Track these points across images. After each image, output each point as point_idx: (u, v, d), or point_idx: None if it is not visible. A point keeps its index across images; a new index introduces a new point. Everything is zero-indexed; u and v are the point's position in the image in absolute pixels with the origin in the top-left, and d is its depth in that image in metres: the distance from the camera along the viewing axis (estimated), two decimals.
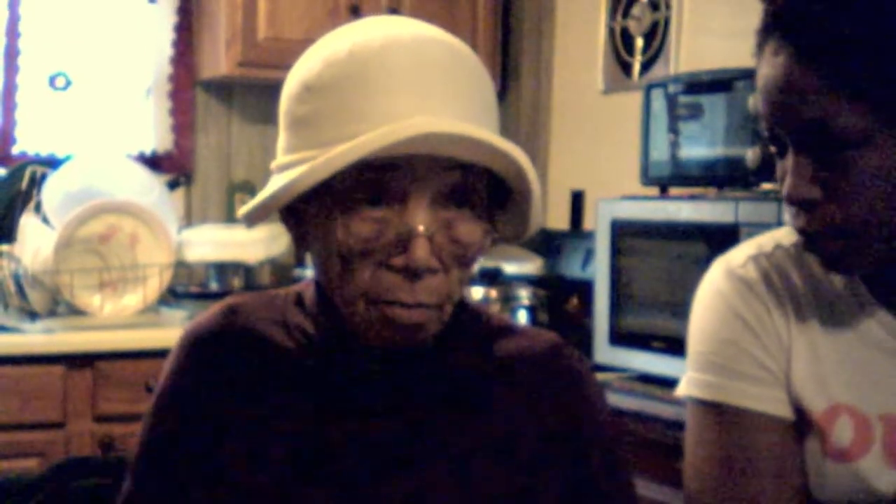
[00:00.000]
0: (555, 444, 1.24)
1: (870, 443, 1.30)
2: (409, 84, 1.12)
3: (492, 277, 3.57)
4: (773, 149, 1.27)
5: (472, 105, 1.15)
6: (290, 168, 1.14)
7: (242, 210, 1.19)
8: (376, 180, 1.12)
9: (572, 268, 3.76)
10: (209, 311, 1.31)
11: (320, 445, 1.21)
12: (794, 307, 1.34)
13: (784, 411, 1.33)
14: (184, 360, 1.28)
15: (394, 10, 3.80)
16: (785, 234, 1.39)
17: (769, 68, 1.23)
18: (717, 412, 1.34)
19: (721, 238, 2.62)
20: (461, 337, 1.26)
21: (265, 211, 1.16)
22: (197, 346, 1.28)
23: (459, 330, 1.26)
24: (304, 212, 1.18)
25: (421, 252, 1.11)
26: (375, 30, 1.16)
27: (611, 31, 3.86)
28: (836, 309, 1.33)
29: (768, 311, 1.34)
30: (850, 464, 1.30)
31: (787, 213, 1.27)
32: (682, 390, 1.39)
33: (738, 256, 1.39)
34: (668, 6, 3.63)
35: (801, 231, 1.26)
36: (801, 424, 1.33)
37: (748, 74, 2.86)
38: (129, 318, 3.38)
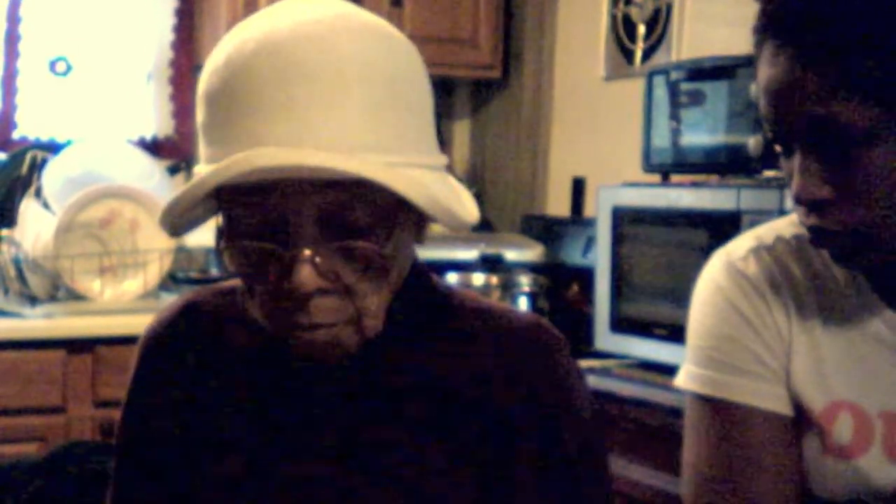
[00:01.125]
0: (526, 427, 1.22)
1: (870, 440, 1.29)
2: (273, 99, 1.06)
3: (492, 264, 3.56)
4: (777, 148, 1.25)
5: (350, 110, 1.08)
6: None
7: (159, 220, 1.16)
8: (259, 205, 1.08)
9: (573, 255, 3.76)
10: (167, 310, 1.31)
11: (278, 437, 1.21)
12: (795, 302, 1.33)
13: (784, 408, 1.32)
14: (143, 360, 1.29)
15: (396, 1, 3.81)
16: (786, 226, 1.37)
17: (770, 69, 1.21)
18: (716, 408, 1.34)
19: (723, 225, 2.62)
20: (427, 321, 1.25)
21: (169, 229, 1.16)
22: (156, 345, 1.28)
23: (426, 314, 1.25)
24: None
25: (303, 276, 1.08)
26: (260, 25, 1.10)
27: (613, 18, 3.85)
28: (838, 305, 1.32)
29: (768, 306, 1.33)
30: (851, 461, 1.30)
31: (797, 213, 1.25)
32: (680, 382, 1.38)
33: (738, 249, 1.37)
34: None
35: (812, 229, 1.24)
36: (801, 421, 1.32)
37: (750, 61, 2.83)
38: (130, 304, 3.38)
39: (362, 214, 1.10)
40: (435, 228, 1.21)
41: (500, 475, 1.21)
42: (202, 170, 1.11)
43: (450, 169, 1.22)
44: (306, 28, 1.08)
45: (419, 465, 1.20)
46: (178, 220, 1.14)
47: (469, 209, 1.18)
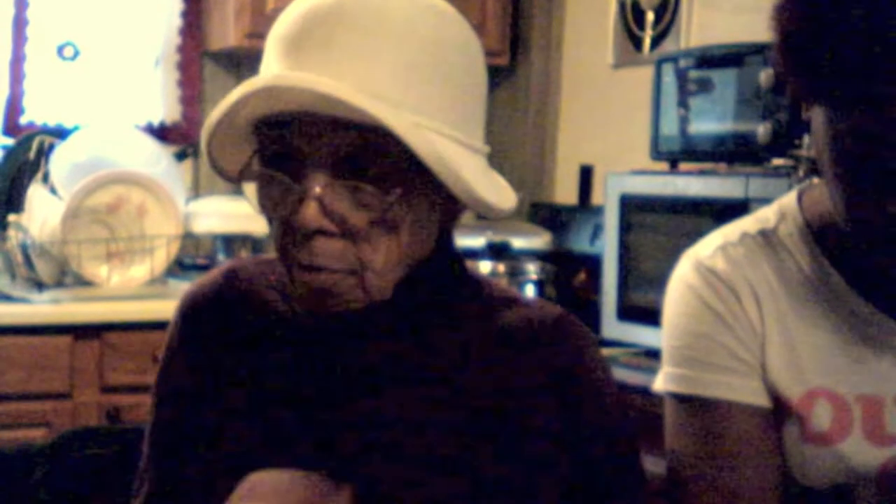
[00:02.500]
0: (555, 417, 1.23)
1: (849, 425, 1.31)
2: (313, 36, 1.12)
3: (499, 252, 3.56)
4: None
5: (386, 63, 1.12)
6: None
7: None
8: (279, 141, 1.13)
9: (580, 243, 3.75)
10: (209, 274, 1.33)
11: (314, 408, 1.22)
12: (766, 295, 1.34)
13: (761, 400, 1.33)
14: (184, 322, 1.31)
15: None
16: (751, 223, 1.39)
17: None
18: (694, 405, 1.35)
19: (731, 214, 2.59)
20: (459, 306, 1.26)
21: (218, 169, 1.20)
22: (196, 307, 1.30)
23: (458, 299, 1.26)
24: None
25: (308, 212, 1.11)
26: None
27: (621, 5, 3.84)
28: (808, 295, 1.33)
29: (739, 300, 1.34)
30: (831, 447, 1.31)
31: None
32: (658, 386, 1.39)
33: (705, 248, 1.38)
34: None
35: None
36: (779, 411, 1.33)
37: (759, 49, 2.85)
38: (137, 290, 3.39)
39: (375, 164, 1.12)
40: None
41: (525, 470, 1.21)
42: None
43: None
44: None
45: (442, 447, 1.21)
46: (219, 154, 1.17)
47: (504, 195, 1.21)
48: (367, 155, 1.12)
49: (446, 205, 1.20)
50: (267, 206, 1.15)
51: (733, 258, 1.36)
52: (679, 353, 1.37)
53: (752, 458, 1.32)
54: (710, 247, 1.38)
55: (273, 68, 1.15)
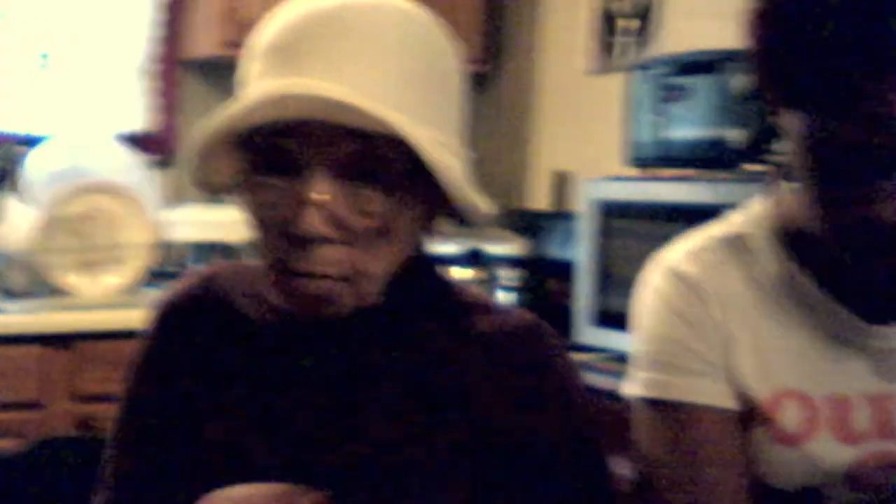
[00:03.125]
0: (524, 422, 1.23)
1: (817, 425, 1.32)
2: (315, 50, 1.11)
3: (473, 258, 3.56)
4: None
5: (384, 72, 1.12)
6: None
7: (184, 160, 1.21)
8: (278, 147, 1.12)
9: (555, 249, 3.75)
10: (186, 279, 1.32)
11: (283, 420, 1.21)
12: (734, 299, 1.34)
13: (729, 403, 1.33)
14: (159, 326, 1.30)
15: None
16: (720, 228, 1.40)
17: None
18: (662, 408, 1.35)
19: (705, 219, 2.59)
20: (428, 310, 1.25)
21: (197, 180, 1.19)
22: (173, 312, 1.29)
23: (427, 303, 1.25)
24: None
25: (310, 220, 1.10)
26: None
27: (597, 13, 3.84)
28: (775, 298, 1.34)
29: (705, 304, 1.34)
30: (800, 447, 1.31)
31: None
32: (627, 390, 1.39)
33: (673, 253, 1.39)
34: None
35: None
36: (748, 413, 1.33)
37: (732, 56, 2.86)
38: (110, 299, 3.37)
39: (377, 171, 1.12)
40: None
41: (494, 472, 1.21)
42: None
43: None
44: (353, 4, 1.14)
45: (415, 447, 1.20)
46: (204, 164, 1.17)
47: (485, 201, 1.21)
48: (369, 161, 1.11)
49: (432, 211, 1.20)
50: (261, 213, 1.14)
51: (701, 262, 1.36)
52: (648, 358, 1.37)
53: (721, 461, 1.32)
54: (678, 252, 1.39)
55: (268, 78, 1.13)
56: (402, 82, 1.12)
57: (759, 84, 1.25)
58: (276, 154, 1.12)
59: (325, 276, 1.13)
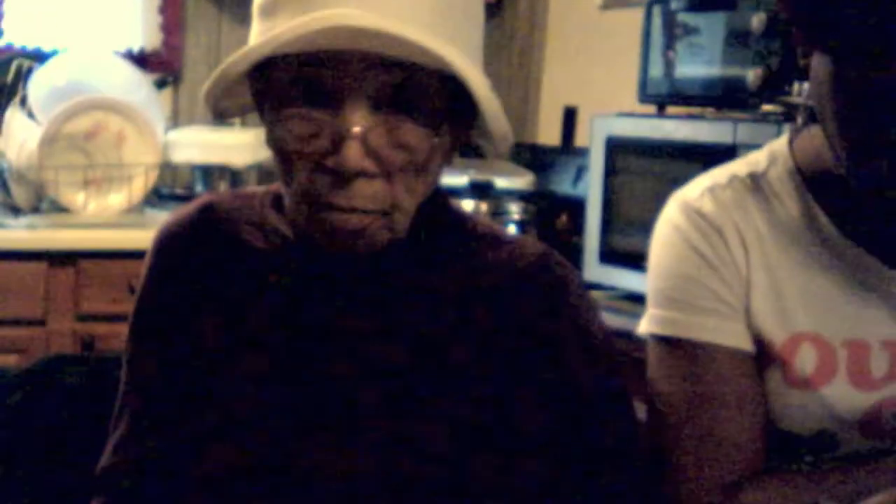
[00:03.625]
0: (536, 351, 1.22)
1: (834, 369, 1.31)
2: None
3: (482, 191, 3.54)
4: None
5: (420, 4, 1.09)
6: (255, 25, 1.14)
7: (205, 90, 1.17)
8: (313, 78, 1.08)
9: (563, 184, 3.73)
10: (185, 207, 1.30)
11: (292, 347, 1.20)
12: (752, 238, 1.33)
13: (744, 343, 1.33)
14: (159, 256, 1.28)
15: None
16: (740, 166, 1.38)
17: None
18: (677, 347, 1.34)
19: (718, 159, 2.57)
20: (443, 241, 1.24)
21: (211, 106, 1.16)
22: (171, 241, 1.28)
23: (441, 234, 1.24)
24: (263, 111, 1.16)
25: (352, 153, 1.08)
26: None
27: None
28: (795, 239, 1.33)
29: (725, 242, 1.33)
30: (815, 391, 1.31)
31: None
32: (643, 328, 1.39)
33: (693, 190, 1.38)
34: None
35: None
36: (763, 356, 1.33)
37: None
38: (114, 218, 3.36)
39: (416, 102, 1.10)
40: None
41: (512, 406, 1.20)
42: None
43: None
44: None
45: (427, 381, 1.19)
46: (223, 92, 1.14)
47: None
48: (408, 93, 1.09)
49: (457, 141, 1.18)
50: (294, 145, 1.11)
51: (721, 200, 1.35)
52: (663, 295, 1.36)
53: (735, 400, 1.32)
54: (698, 189, 1.38)
55: (296, 5, 1.09)
56: (440, 8, 1.10)
57: (787, 24, 1.22)
58: (308, 84, 1.09)
59: (363, 211, 1.11)
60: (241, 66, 1.09)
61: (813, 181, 1.34)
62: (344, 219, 1.11)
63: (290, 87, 1.10)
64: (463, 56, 1.10)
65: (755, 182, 1.36)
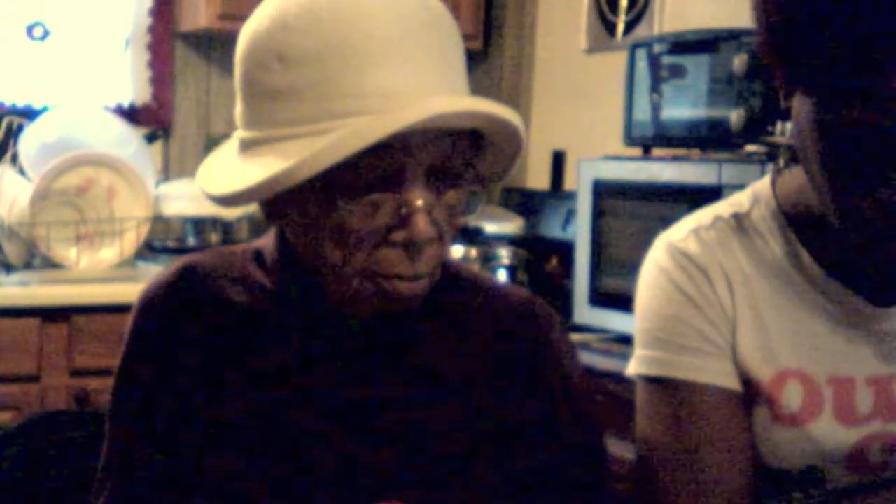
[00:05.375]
0: (521, 399, 1.24)
1: (820, 406, 1.32)
2: (396, 52, 1.08)
3: (472, 236, 3.55)
4: None
5: (452, 60, 1.13)
6: (266, 144, 1.11)
7: (216, 191, 1.15)
8: (375, 158, 1.08)
9: (552, 228, 3.75)
10: (165, 271, 1.30)
11: (281, 401, 1.21)
12: (737, 278, 1.34)
13: (731, 383, 1.33)
14: (140, 321, 1.28)
15: None
16: (724, 207, 1.39)
17: None
18: (665, 387, 1.35)
19: (704, 199, 2.58)
20: (435, 291, 1.25)
21: (262, 194, 1.12)
22: (153, 306, 1.27)
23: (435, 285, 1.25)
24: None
25: (422, 226, 1.10)
26: None
27: None
28: (780, 278, 1.34)
29: (710, 283, 1.34)
30: (802, 427, 1.32)
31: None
32: (631, 369, 1.39)
33: (678, 232, 1.39)
34: None
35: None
36: (750, 393, 1.33)
37: (733, 35, 2.85)
38: (106, 272, 3.36)
39: (459, 163, 1.13)
40: None
41: (495, 447, 1.22)
42: (277, 132, 1.10)
43: None
44: None
45: (416, 428, 1.21)
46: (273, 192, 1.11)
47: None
48: (453, 157, 1.12)
49: None
50: (357, 225, 1.10)
51: (705, 241, 1.36)
52: (650, 336, 1.37)
53: (722, 440, 1.32)
54: (683, 230, 1.39)
55: (360, 85, 1.07)
56: (460, 65, 1.15)
57: (767, 66, 1.24)
58: (369, 167, 1.09)
59: (424, 276, 1.14)
60: (322, 165, 1.06)
61: (796, 220, 1.35)
62: (409, 287, 1.13)
63: (344, 172, 1.09)
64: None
65: (739, 222, 1.37)
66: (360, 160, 1.07)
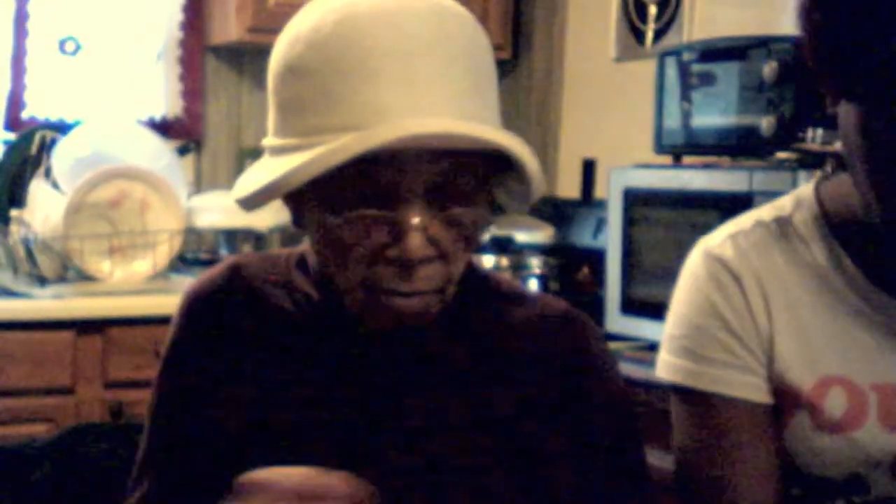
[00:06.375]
0: (561, 413, 1.24)
1: (864, 412, 1.31)
2: (395, 71, 1.08)
3: (503, 246, 3.56)
4: None
5: (460, 83, 1.11)
6: (282, 154, 1.13)
7: (237, 194, 1.17)
8: (366, 174, 1.10)
9: (583, 237, 3.75)
10: (212, 270, 1.31)
11: (320, 408, 1.22)
12: (774, 283, 1.34)
13: (756, 395, 1.33)
14: (187, 318, 1.29)
15: None
16: (766, 211, 1.39)
17: None
18: (689, 396, 1.36)
19: (735, 207, 2.58)
20: (467, 303, 1.25)
21: (262, 201, 1.14)
22: (199, 303, 1.29)
23: (466, 296, 1.25)
24: (301, 194, 1.16)
25: (415, 244, 1.10)
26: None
27: None
28: (821, 283, 1.33)
29: (742, 291, 1.34)
30: (845, 434, 1.31)
31: None
32: (660, 372, 1.40)
33: (716, 237, 1.38)
34: None
35: None
36: (789, 401, 1.33)
37: (762, 42, 2.84)
38: (139, 284, 3.38)
39: (465, 183, 1.12)
40: None
41: (535, 458, 1.22)
42: (289, 141, 1.12)
43: None
44: (411, 4, 1.11)
45: (459, 442, 1.21)
46: (275, 197, 1.14)
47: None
48: (457, 176, 1.12)
49: (491, 203, 1.21)
50: (352, 241, 1.12)
51: (742, 247, 1.35)
52: (677, 343, 1.37)
53: (744, 457, 1.32)
54: (721, 235, 1.38)
55: (354, 102, 1.08)
56: (472, 89, 1.12)
57: (812, 73, 1.23)
58: (364, 183, 1.10)
59: (423, 293, 1.13)
60: (302, 178, 1.09)
61: (839, 227, 1.34)
62: (407, 303, 1.13)
63: (342, 186, 1.11)
64: (493, 124, 1.13)
65: (781, 226, 1.36)
66: (351, 176, 1.09)
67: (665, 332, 1.40)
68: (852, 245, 1.33)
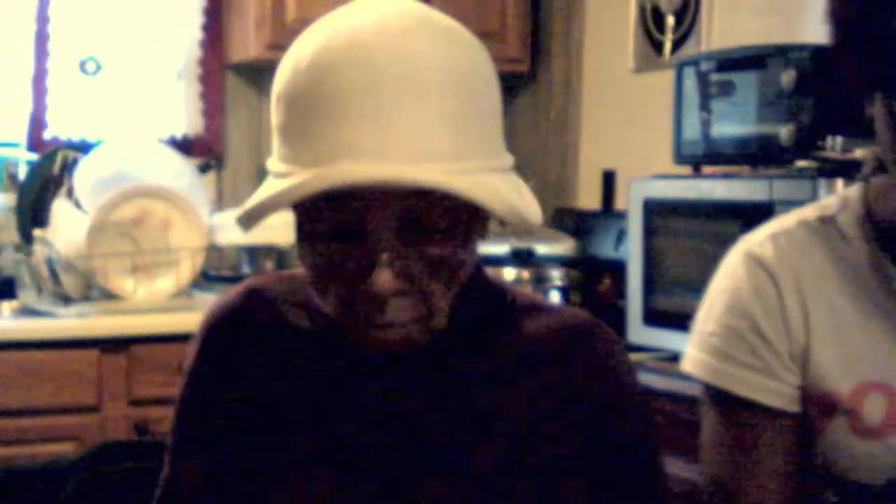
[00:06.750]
0: (582, 423, 1.24)
1: None
2: (362, 108, 1.06)
3: (524, 258, 3.55)
4: None
5: (433, 118, 1.08)
6: (275, 178, 1.13)
7: (237, 213, 1.18)
8: (336, 209, 1.10)
9: (604, 248, 3.74)
10: (229, 293, 1.31)
11: (340, 427, 1.22)
12: (814, 284, 1.33)
13: (776, 400, 1.33)
14: (205, 343, 1.29)
15: None
16: (811, 210, 1.38)
17: None
18: (714, 394, 1.36)
19: (755, 216, 2.58)
20: (484, 317, 1.25)
21: (246, 224, 1.15)
22: (217, 327, 1.29)
23: (482, 310, 1.25)
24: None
25: (383, 279, 1.09)
26: (343, 27, 1.10)
27: (641, 9, 3.83)
28: (863, 285, 1.32)
29: (779, 293, 1.33)
30: (883, 440, 1.30)
31: None
32: (685, 366, 1.40)
33: (756, 236, 1.38)
34: None
35: None
36: (827, 406, 1.32)
37: (780, 51, 2.84)
38: (163, 302, 3.40)
39: (440, 219, 1.11)
40: None
41: (555, 471, 1.22)
42: (278, 168, 1.13)
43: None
44: (390, 35, 1.09)
45: (477, 457, 1.21)
46: (255, 222, 1.15)
47: (533, 208, 1.19)
48: (431, 213, 1.11)
49: (487, 219, 1.20)
50: (327, 271, 1.13)
51: (782, 246, 1.35)
52: (705, 339, 1.37)
53: (761, 464, 1.33)
54: (762, 234, 1.38)
55: (319, 138, 1.08)
56: (446, 124, 1.09)
57: (842, 72, 1.23)
58: (333, 217, 1.10)
59: (401, 324, 1.13)
60: (270, 209, 1.10)
61: (881, 229, 1.33)
62: (384, 334, 1.13)
63: (318, 219, 1.11)
64: (470, 159, 1.10)
65: (824, 225, 1.35)
66: (324, 209, 1.10)
67: (696, 325, 1.40)
68: (892, 247, 1.32)
